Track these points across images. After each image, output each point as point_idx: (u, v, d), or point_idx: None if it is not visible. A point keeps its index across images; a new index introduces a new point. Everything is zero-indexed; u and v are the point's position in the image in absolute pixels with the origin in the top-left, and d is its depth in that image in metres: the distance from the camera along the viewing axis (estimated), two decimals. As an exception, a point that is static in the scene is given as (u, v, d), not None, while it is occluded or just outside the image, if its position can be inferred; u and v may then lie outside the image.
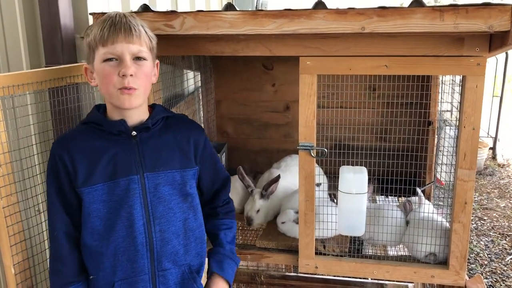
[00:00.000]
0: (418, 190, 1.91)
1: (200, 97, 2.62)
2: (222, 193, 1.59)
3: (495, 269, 3.79)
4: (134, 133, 1.35)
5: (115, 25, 1.27)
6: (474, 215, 4.74)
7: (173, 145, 1.41)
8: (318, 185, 1.71)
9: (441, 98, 2.02)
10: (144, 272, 1.35)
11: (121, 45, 1.27)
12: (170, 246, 1.38)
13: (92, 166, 1.32)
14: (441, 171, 1.82)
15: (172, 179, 1.39)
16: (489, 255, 4.00)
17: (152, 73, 1.38)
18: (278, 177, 2.04)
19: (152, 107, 1.45)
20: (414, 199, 1.93)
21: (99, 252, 1.33)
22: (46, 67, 1.73)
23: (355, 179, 1.64)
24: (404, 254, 1.80)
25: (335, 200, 1.82)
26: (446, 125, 1.83)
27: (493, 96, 6.58)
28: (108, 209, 1.33)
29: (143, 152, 1.36)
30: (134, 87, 1.29)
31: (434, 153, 2.15)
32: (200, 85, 2.62)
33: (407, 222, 1.82)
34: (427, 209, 1.81)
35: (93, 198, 1.32)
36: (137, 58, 1.31)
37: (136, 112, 1.37)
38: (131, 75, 1.28)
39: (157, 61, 1.44)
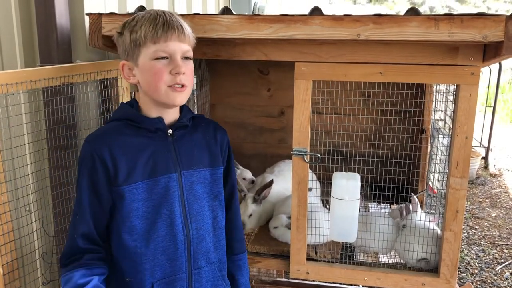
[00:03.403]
0: (415, 197, 1.91)
1: (195, 100, 2.61)
2: (233, 207, 1.54)
3: (485, 278, 3.80)
4: (170, 131, 1.36)
5: (169, 24, 1.28)
6: (465, 224, 4.76)
7: (202, 144, 1.42)
8: (310, 189, 1.71)
9: (435, 106, 2.03)
10: (182, 270, 1.35)
11: (174, 43, 1.29)
12: (204, 244, 1.38)
13: (132, 164, 1.30)
14: (433, 179, 1.83)
15: (203, 178, 1.40)
16: (479, 264, 4.01)
17: None
18: (271, 182, 2.04)
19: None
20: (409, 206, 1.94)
21: (139, 253, 1.31)
22: (40, 66, 1.72)
23: (348, 185, 1.65)
24: (396, 261, 1.80)
25: (328, 206, 1.82)
26: (439, 134, 1.84)
27: (486, 106, 6.63)
28: (146, 208, 1.31)
29: (179, 150, 1.36)
30: (186, 84, 1.31)
31: (427, 161, 2.16)
32: (195, 88, 2.61)
33: (404, 226, 1.82)
34: (420, 216, 1.82)
35: (134, 196, 1.29)
36: (185, 58, 1.33)
37: (174, 110, 1.38)
38: (183, 73, 1.29)
39: None
